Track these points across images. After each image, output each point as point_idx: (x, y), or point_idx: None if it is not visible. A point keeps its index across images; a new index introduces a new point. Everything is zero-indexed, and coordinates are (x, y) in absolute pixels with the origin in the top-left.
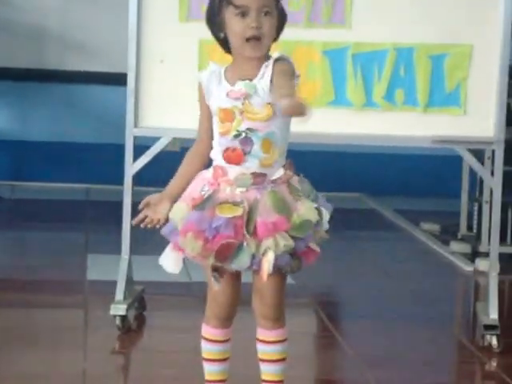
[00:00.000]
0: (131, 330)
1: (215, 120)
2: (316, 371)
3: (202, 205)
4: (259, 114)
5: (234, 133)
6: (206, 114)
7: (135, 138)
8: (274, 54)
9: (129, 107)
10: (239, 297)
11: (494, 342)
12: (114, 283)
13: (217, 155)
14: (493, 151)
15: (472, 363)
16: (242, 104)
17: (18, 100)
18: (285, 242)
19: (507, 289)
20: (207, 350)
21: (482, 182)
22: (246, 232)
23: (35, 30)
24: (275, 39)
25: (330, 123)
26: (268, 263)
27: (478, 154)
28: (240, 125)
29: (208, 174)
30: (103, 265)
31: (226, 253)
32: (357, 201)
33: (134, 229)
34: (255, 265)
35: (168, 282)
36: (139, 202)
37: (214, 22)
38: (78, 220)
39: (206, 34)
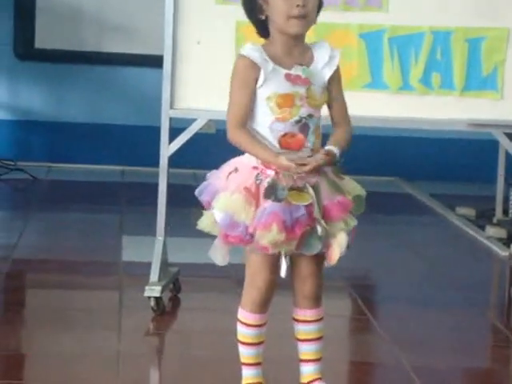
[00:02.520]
0: (166, 311)
1: (265, 105)
2: (350, 354)
3: (275, 195)
4: (318, 101)
5: (296, 118)
6: (251, 97)
7: (171, 119)
8: (324, 41)
9: (165, 88)
10: (276, 281)
11: None
12: (148, 265)
13: (268, 141)
14: None
15: (507, 347)
16: (307, 90)
17: (54, 81)
18: (353, 222)
19: None
20: (243, 333)
21: None
22: (319, 217)
23: (72, 12)
24: (314, 22)
25: (366, 106)
26: (340, 245)
27: None
28: (300, 110)
29: (252, 161)
30: (138, 246)
31: (303, 240)
32: (392, 185)
33: (169, 210)
34: (324, 247)
35: (203, 263)
36: (174, 184)
37: (254, 5)
38: (113, 202)
39: (244, 15)
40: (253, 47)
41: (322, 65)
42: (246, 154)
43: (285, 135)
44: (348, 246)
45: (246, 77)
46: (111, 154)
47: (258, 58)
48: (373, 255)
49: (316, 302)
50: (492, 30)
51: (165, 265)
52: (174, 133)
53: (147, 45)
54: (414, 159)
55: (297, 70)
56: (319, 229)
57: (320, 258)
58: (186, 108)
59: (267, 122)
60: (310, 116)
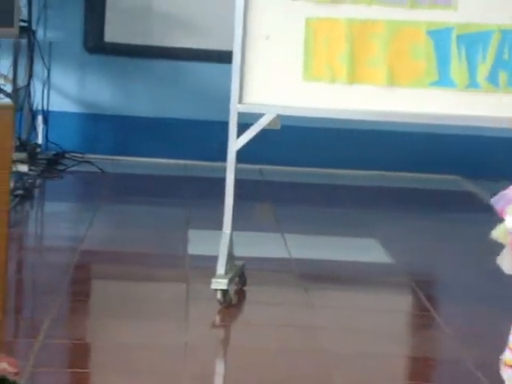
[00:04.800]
0: (232, 304)
1: None
2: (413, 349)
3: None
4: None
5: None
6: None
7: (238, 114)
8: None
9: (234, 83)
10: None
11: None
12: (214, 258)
13: None
14: None
15: None
16: None
17: (122, 75)
18: None
19: None
20: None
21: None
22: None
23: (142, 7)
24: None
25: (433, 103)
26: None
27: None
28: None
29: None
30: (204, 240)
31: None
32: (455, 183)
33: (236, 204)
34: None
35: (268, 258)
36: (239, 179)
37: None
38: (179, 195)
39: (313, 12)
40: None
41: None
42: None
43: None
44: None
45: None
46: (176, 148)
47: None
48: (436, 252)
49: None
50: None
51: (231, 258)
52: (240, 128)
53: (214, 40)
54: (478, 157)
55: None
56: None
57: None
58: (254, 103)
59: None
60: None
